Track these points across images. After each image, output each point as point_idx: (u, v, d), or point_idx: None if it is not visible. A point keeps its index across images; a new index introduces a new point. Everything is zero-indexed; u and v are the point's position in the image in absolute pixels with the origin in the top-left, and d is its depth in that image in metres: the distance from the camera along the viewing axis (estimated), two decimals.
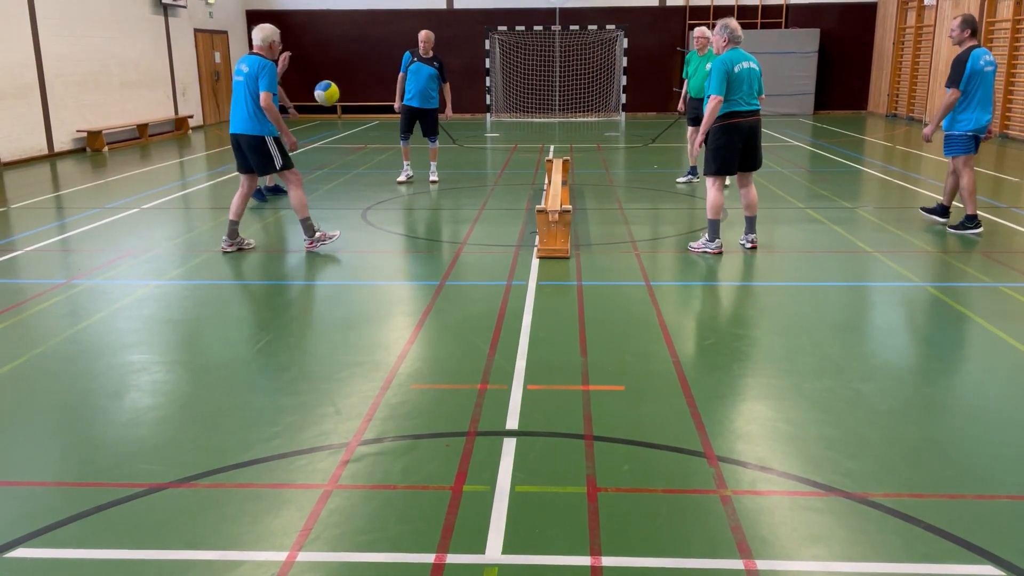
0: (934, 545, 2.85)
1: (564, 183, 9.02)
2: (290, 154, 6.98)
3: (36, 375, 4.48)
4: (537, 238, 6.97)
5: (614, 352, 4.72)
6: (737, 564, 2.74)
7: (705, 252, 6.96)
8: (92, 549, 2.85)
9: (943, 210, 8.04)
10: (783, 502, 3.15)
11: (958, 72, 7.31)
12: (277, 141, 6.89)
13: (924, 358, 4.79)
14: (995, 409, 3.98)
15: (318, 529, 2.95)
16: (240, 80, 6.73)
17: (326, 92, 8.52)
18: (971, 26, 7.45)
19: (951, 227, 7.78)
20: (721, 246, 6.98)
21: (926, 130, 7.52)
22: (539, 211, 6.85)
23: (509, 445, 3.57)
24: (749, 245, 7.10)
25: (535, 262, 6.69)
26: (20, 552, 2.84)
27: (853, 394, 4.13)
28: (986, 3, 16.04)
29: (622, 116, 20.70)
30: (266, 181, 9.54)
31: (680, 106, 10.87)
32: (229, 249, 7.10)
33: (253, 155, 6.88)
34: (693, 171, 10.54)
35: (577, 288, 6.00)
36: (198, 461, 3.46)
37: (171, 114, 17.85)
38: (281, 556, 2.79)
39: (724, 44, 6.75)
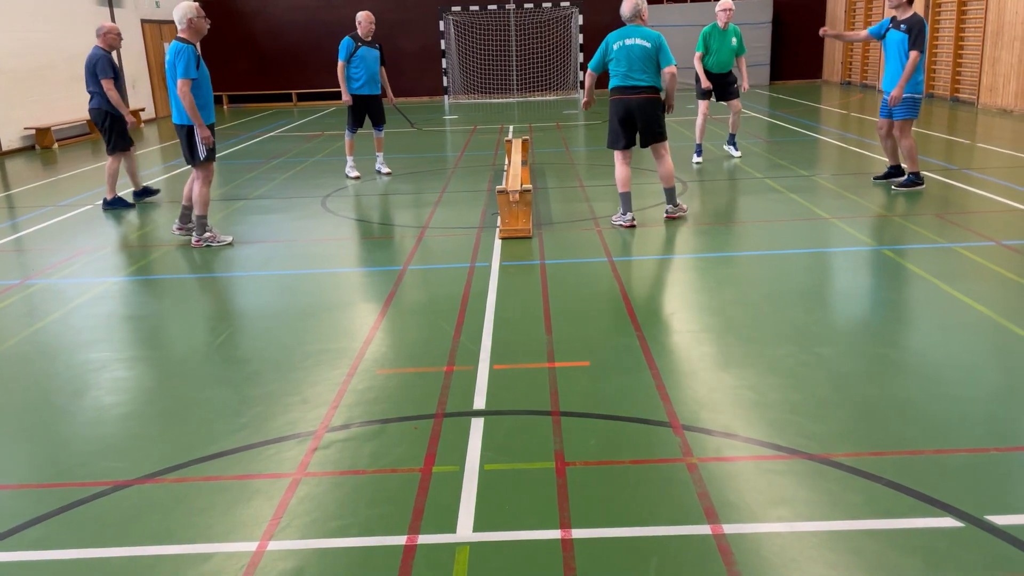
0: (895, 501, 2.92)
1: (524, 163, 9.01)
2: (210, 148, 6.72)
3: None
4: (499, 219, 6.96)
5: (578, 328, 4.75)
6: (704, 529, 2.79)
7: (620, 226, 7.00)
8: (58, 550, 2.81)
9: (897, 169, 8.21)
10: (748, 467, 3.20)
11: (923, 35, 7.48)
12: (209, 129, 6.71)
13: (882, 320, 4.88)
14: (952, 366, 4.07)
15: (288, 517, 2.94)
16: (168, 69, 6.60)
17: None
18: None
19: (900, 185, 7.95)
20: (633, 219, 7.02)
21: (894, 92, 7.60)
22: (499, 192, 6.83)
23: (477, 425, 3.58)
24: (668, 216, 7.17)
25: (498, 243, 6.68)
26: None
27: (814, 358, 4.20)
28: None
29: (580, 93, 20.67)
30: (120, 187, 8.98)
31: (705, 83, 9.71)
32: (177, 232, 7.19)
33: (183, 144, 6.80)
34: (699, 150, 10.21)
35: (540, 267, 6.01)
36: (164, 456, 3.42)
37: None
38: (251, 546, 2.78)
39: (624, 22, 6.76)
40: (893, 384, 3.90)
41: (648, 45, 6.62)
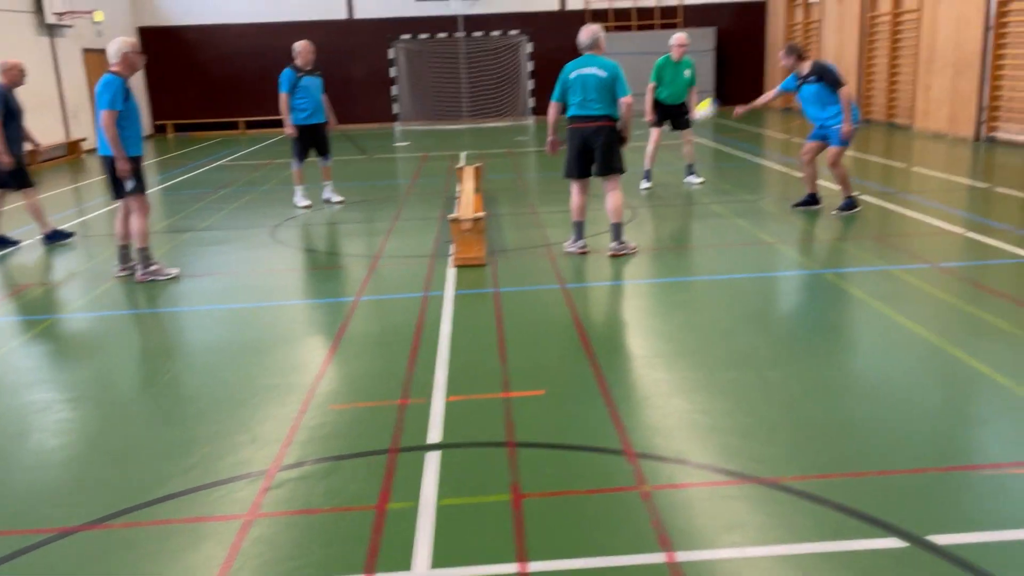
0: (842, 523, 2.99)
1: (476, 190, 9.07)
2: (139, 180, 6.60)
3: None
4: (452, 247, 6.98)
5: (533, 357, 4.78)
6: (659, 558, 2.82)
7: (572, 253, 7.09)
8: None
9: (813, 197, 8.48)
10: (701, 493, 3.25)
11: (834, 73, 7.83)
12: (136, 161, 6.60)
13: (826, 343, 5.01)
14: (893, 388, 4.20)
15: (241, 560, 2.90)
16: (96, 101, 6.50)
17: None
18: (796, 51, 8.01)
19: (840, 209, 8.20)
20: (584, 246, 7.08)
21: (845, 127, 7.82)
22: (452, 220, 6.86)
23: (432, 459, 3.57)
24: (609, 254, 6.97)
25: (451, 271, 6.70)
26: None
27: (762, 381, 4.29)
28: None
29: (531, 120, 20.91)
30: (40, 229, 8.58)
31: (650, 115, 10.06)
32: (121, 274, 6.92)
33: (109, 176, 6.64)
34: (648, 175, 10.36)
35: (494, 295, 6.04)
36: (111, 500, 3.34)
37: (62, 138, 17.12)
38: None
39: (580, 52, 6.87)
40: (838, 406, 4.00)
41: (604, 75, 6.66)
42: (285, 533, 3.07)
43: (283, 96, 9.39)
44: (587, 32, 6.83)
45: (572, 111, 6.80)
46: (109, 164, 6.56)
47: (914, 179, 10.37)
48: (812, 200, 8.50)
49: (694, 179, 10.45)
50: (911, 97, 15.41)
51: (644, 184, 10.23)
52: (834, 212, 8.27)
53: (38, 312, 6.15)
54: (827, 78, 7.78)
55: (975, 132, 13.46)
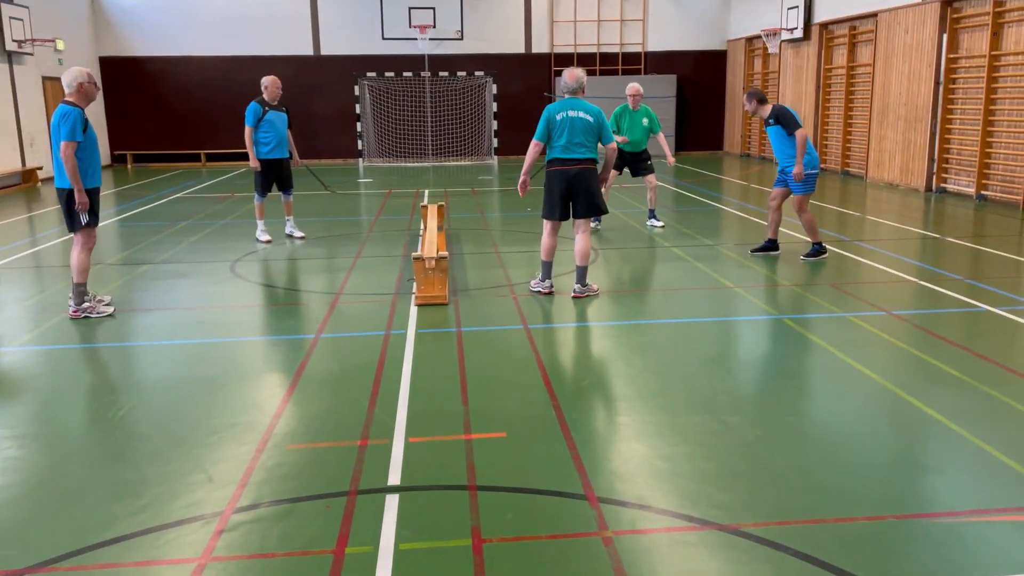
0: (802, 570, 3.00)
1: (440, 228, 9.08)
2: (93, 214, 6.46)
3: None
4: (415, 285, 6.96)
5: (495, 398, 4.75)
6: None
7: (539, 292, 7.12)
8: None
9: (773, 243, 8.66)
10: (662, 539, 3.24)
11: (792, 117, 8.05)
12: (93, 194, 6.47)
13: (785, 388, 5.07)
14: (849, 434, 4.25)
15: None
16: (52, 132, 6.36)
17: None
18: (757, 96, 8.26)
19: (807, 256, 8.37)
20: (551, 286, 7.14)
21: (796, 169, 8.03)
22: (415, 258, 6.85)
23: (392, 502, 3.52)
24: (573, 295, 7.01)
25: (413, 310, 6.67)
26: None
27: (722, 427, 4.32)
28: (823, 51, 17.41)
29: (495, 160, 21.08)
30: None
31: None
32: (75, 316, 6.59)
33: (64, 209, 6.49)
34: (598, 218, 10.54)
35: (457, 334, 6.02)
36: (58, 542, 3.23)
37: (18, 166, 16.81)
38: None
39: (560, 94, 6.98)
40: (796, 452, 4.04)
41: (591, 120, 6.76)
42: None
43: (248, 129, 9.41)
44: (573, 76, 6.92)
45: (555, 153, 6.81)
46: (65, 196, 6.44)
47: (868, 227, 10.64)
48: (771, 246, 8.67)
49: (656, 223, 10.59)
50: (865, 148, 15.87)
51: (593, 223, 10.32)
52: (801, 258, 8.42)
53: None
54: (783, 121, 8.02)
55: (926, 183, 13.89)
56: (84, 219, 6.46)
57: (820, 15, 17.39)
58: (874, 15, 15.27)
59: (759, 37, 20.08)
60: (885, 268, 8.06)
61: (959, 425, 4.27)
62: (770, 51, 19.60)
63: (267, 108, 9.43)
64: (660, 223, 10.61)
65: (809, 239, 8.51)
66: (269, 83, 9.46)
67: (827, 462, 3.92)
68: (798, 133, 7.97)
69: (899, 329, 6.04)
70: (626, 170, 10.46)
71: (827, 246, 8.65)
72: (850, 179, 16.08)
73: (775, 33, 18.94)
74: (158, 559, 3.12)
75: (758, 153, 20.91)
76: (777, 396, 4.90)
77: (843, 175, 16.51)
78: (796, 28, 17.97)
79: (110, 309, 6.68)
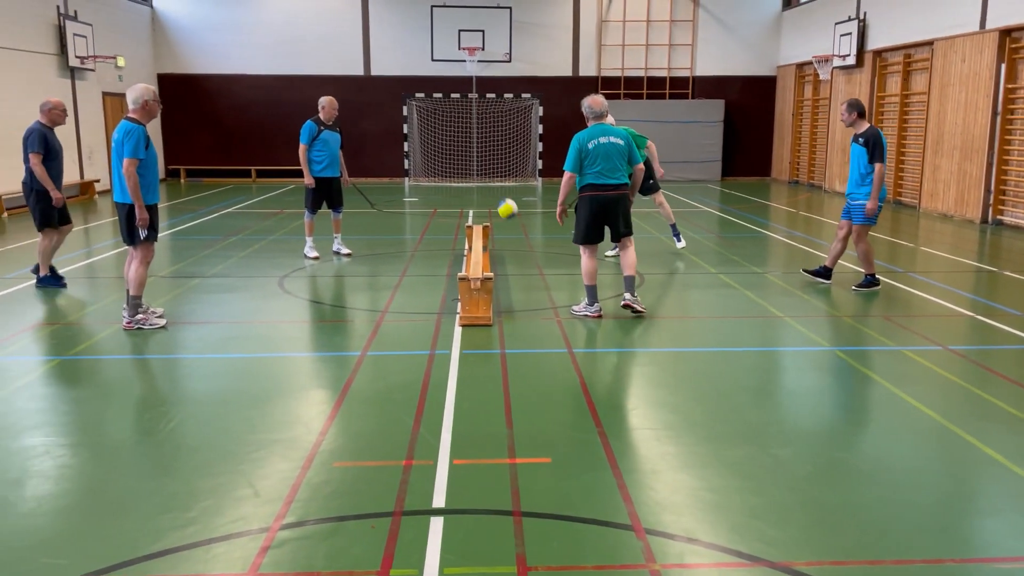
0: None
1: (484, 249, 9.10)
2: (152, 229, 6.62)
3: None
4: (459, 306, 6.97)
5: (539, 423, 4.72)
6: None
7: (586, 315, 7.10)
8: None
9: (827, 271, 8.50)
10: (711, 574, 3.17)
11: (881, 148, 7.92)
12: (151, 209, 6.64)
13: (836, 422, 4.96)
14: (905, 471, 4.13)
15: None
16: (114, 147, 6.52)
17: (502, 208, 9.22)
18: (858, 108, 8.07)
19: (859, 286, 8.23)
20: (600, 310, 7.14)
21: (870, 204, 7.93)
22: (461, 279, 6.87)
23: (436, 524, 3.50)
24: (624, 304, 7.17)
25: (458, 330, 6.68)
26: None
27: (772, 460, 4.23)
28: (876, 79, 17.18)
29: (539, 181, 21.13)
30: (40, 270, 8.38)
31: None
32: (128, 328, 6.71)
33: (123, 224, 6.63)
34: (677, 235, 10.65)
35: (501, 356, 6.01)
36: (107, 552, 3.27)
37: (76, 178, 17.30)
38: None
39: (587, 120, 7.00)
40: (850, 490, 3.93)
41: (622, 143, 6.89)
42: None
43: (303, 147, 9.56)
44: (599, 102, 6.99)
45: (589, 179, 6.87)
46: (125, 211, 6.58)
47: (921, 259, 10.41)
48: (824, 273, 8.52)
49: (677, 241, 10.64)
50: (918, 177, 15.58)
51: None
52: (853, 288, 8.27)
53: (41, 354, 6.11)
54: (871, 145, 7.91)
55: (982, 215, 13.57)
56: (143, 234, 6.60)
57: (874, 42, 17.19)
58: (930, 43, 15.03)
59: (810, 63, 19.89)
60: (939, 301, 7.87)
61: (1017, 465, 4.13)
62: (821, 78, 19.40)
63: (322, 128, 9.59)
64: (681, 243, 10.62)
65: (863, 270, 8.35)
66: (326, 103, 9.64)
67: (881, 500, 3.81)
68: (878, 167, 7.86)
69: (954, 364, 5.88)
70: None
71: (880, 277, 8.48)
72: (903, 209, 15.79)
73: (827, 59, 18.75)
74: (206, 573, 3.14)
75: (807, 180, 20.65)
76: (828, 430, 4.79)
77: (895, 204, 16.22)
78: (849, 55, 17.77)
79: (162, 321, 6.80)
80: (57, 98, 8.27)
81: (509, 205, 9.23)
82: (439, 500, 3.73)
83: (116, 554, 3.26)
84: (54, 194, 8.06)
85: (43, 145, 7.95)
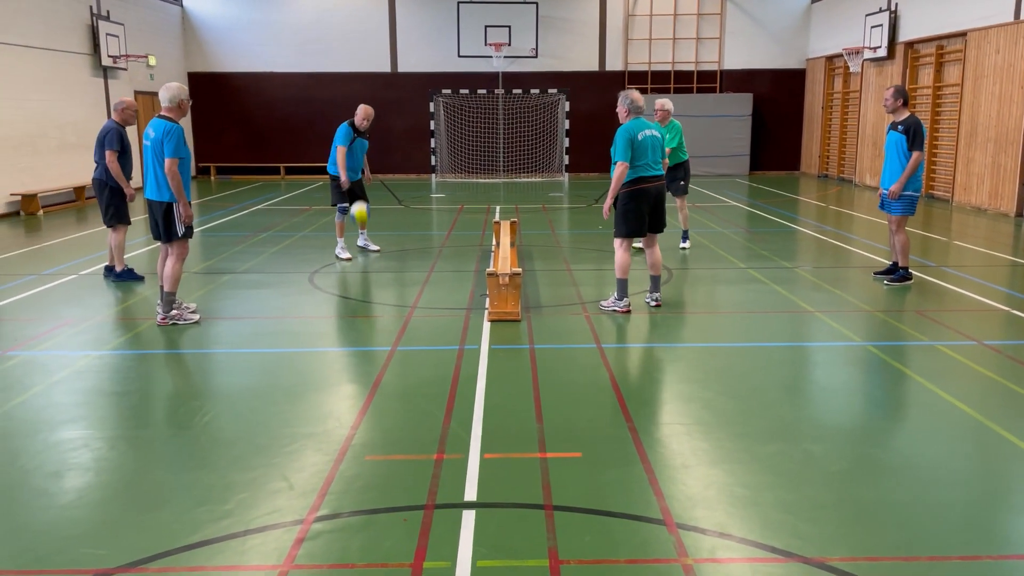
0: None
1: (512, 245, 9.11)
2: (188, 226, 6.69)
3: None
4: (488, 301, 6.99)
5: (569, 417, 4.73)
6: None
7: (615, 311, 7.10)
8: None
9: (896, 266, 8.33)
10: (744, 570, 3.16)
11: (921, 136, 7.84)
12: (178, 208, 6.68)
13: (870, 418, 4.91)
14: (940, 468, 4.09)
15: None
16: (148, 145, 6.56)
17: (358, 212, 9.40)
18: (903, 95, 7.99)
19: (892, 279, 8.13)
20: (629, 305, 7.13)
21: (893, 188, 7.89)
22: (489, 274, 6.88)
23: (468, 518, 3.52)
24: (653, 303, 7.26)
25: (486, 325, 6.69)
26: None
27: (805, 456, 4.20)
28: (908, 71, 16.94)
29: (566, 177, 21.10)
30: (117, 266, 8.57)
31: None
32: (162, 323, 6.78)
33: (160, 221, 6.68)
34: (685, 235, 10.54)
35: (530, 351, 6.02)
36: (146, 544, 3.33)
37: None
38: None
39: (626, 114, 6.98)
40: (884, 486, 3.90)
41: (659, 136, 7.04)
42: None
43: (341, 150, 9.60)
44: (640, 97, 7.00)
45: (641, 172, 6.89)
46: (163, 209, 6.63)
47: (954, 253, 10.26)
48: (894, 269, 8.39)
49: (684, 243, 10.47)
50: (951, 171, 15.35)
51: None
52: (885, 282, 8.18)
53: (77, 348, 6.22)
54: (911, 133, 7.84)
55: (1017, 208, 13.34)
56: (181, 231, 6.68)
57: (905, 33, 16.94)
58: (963, 34, 14.79)
59: (840, 56, 19.65)
60: (973, 295, 7.76)
61: None
62: (852, 70, 19.16)
63: (356, 134, 9.70)
64: (685, 244, 10.45)
65: (898, 261, 8.24)
66: (363, 112, 9.70)
67: (916, 497, 3.78)
68: (916, 154, 7.81)
69: (990, 359, 5.79)
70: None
71: (912, 272, 8.37)
72: (935, 203, 15.56)
73: (857, 52, 18.51)
74: (242, 564, 3.19)
75: (836, 174, 20.42)
76: (862, 426, 4.74)
77: (928, 198, 15.99)
78: (880, 47, 17.53)
79: (196, 316, 6.89)
80: (130, 99, 8.46)
81: (361, 211, 9.58)
82: (471, 494, 3.75)
83: (154, 545, 3.32)
84: (127, 190, 8.29)
85: (119, 143, 8.18)
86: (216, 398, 5.24)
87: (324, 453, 4.21)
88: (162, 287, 6.85)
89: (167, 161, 6.44)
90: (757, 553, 3.27)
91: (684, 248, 10.39)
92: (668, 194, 10.22)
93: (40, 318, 7.08)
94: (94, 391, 5.29)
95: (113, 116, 8.31)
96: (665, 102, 10.05)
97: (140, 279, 8.54)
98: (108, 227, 8.47)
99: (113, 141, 8.15)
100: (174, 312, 6.79)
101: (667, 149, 10.02)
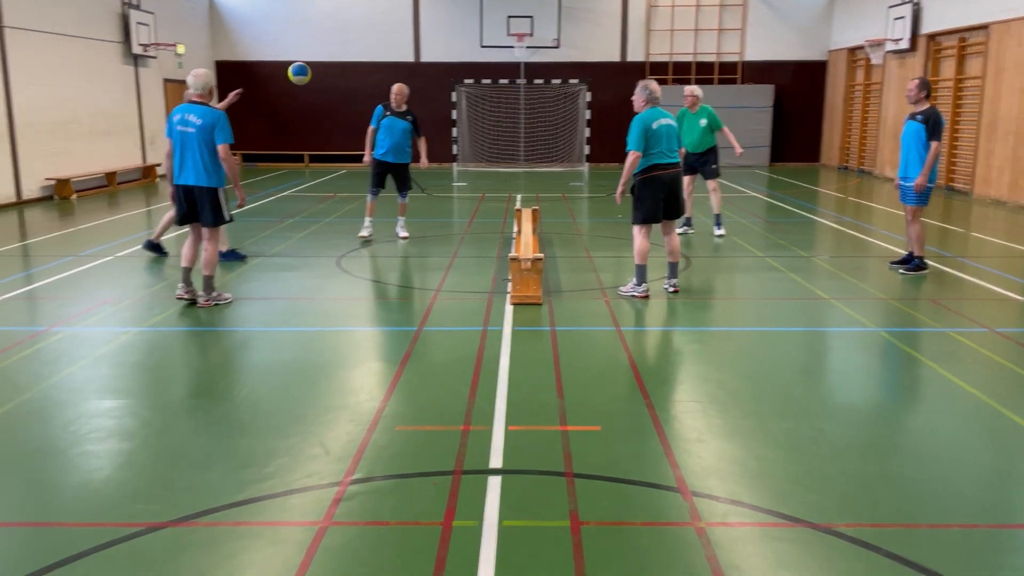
0: (894, 571, 3.08)
1: (534, 231, 9.30)
2: (235, 211, 6.95)
3: (25, 420, 4.55)
4: (510, 285, 7.20)
5: (589, 394, 4.94)
6: None
7: (633, 296, 7.29)
8: None
9: (916, 260, 8.45)
10: (754, 533, 3.36)
11: (940, 127, 7.96)
12: (219, 193, 6.88)
13: (879, 399, 5.08)
14: (947, 446, 4.26)
15: (317, 564, 3.09)
16: (191, 132, 6.64)
17: (303, 76, 9.23)
18: (927, 88, 8.12)
19: (907, 268, 8.27)
20: (647, 290, 7.32)
21: (919, 180, 8.01)
22: (512, 259, 7.09)
23: (494, 483, 3.75)
24: (671, 289, 7.44)
25: (509, 308, 6.91)
26: None
27: (815, 433, 4.38)
28: (930, 63, 16.93)
29: (586, 166, 21.24)
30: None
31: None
32: (184, 296, 7.01)
33: (207, 207, 6.80)
34: (688, 222, 10.82)
35: (551, 333, 6.22)
36: (195, 501, 3.58)
37: (139, 162, 17.92)
38: None
39: (643, 103, 7.17)
40: (891, 461, 4.08)
41: (675, 125, 7.22)
42: (357, 541, 3.26)
43: (371, 129, 10.04)
44: (657, 87, 7.20)
45: (656, 159, 7.08)
46: (211, 194, 6.78)
47: (972, 244, 10.35)
48: (906, 260, 8.51)
49: (716, 229, 10.66)
50: (971, 163, 15.36)
51: (685, 229, 10.66)
52: (901, 271, 8.32)
53: (119, 325, 6.50)
54: (931, 123, 7.95)
55: None
56: (228, 216, 6.92)
57: (928, 25, 16.92)
58: (985, 27, 14.77)
59: (862, 47, 19.63)
60: (989, 285, 7.87)
61: None
62: (873, 62, 19.14)
63: (388, 113, 9.99)
64: (721, 231, 10.63)
65: (914, 251, 8.37)
66: (394, 90, 10.07)
67: (922, 472, 3.96)
68: (935, 144, 7.92)
69: (1001, 346, 5.94)
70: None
71: (928, 262, 8.49)
72: (955, 195, 15.58)
73: (880, 44, 18.50)
74: (285, 520, 3.43)
75: (857, 166, 20.42)
76: (872, 406, 4.92)
77: (947, 190, 16.00)
78: (902, 39, 17.52)
79: (229, 296, 7.17)
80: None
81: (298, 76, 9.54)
82: (496, 462, 3.97)
83: (203, 502, 3.57)
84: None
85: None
86: (253, 372, 5.49)
87: (357, 423, 4.44)
88: (186, 268, 6.97)
89: (223, 147, 6.63)
90: (767, 519, 3.47)
91: (719, 235, 10.56)
92: (698, 180, 10.53)
93: (80, 297, 7.37)
94: (137, 364, 5.56)
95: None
96: (694, 88, 10.33)
97: (241, 258, 8.99)
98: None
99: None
100: (215, 294, 7.06)
101: (716, 130, 10.26)
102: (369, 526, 3.38)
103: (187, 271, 7.04)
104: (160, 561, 3.12)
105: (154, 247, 9.17)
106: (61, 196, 14.69)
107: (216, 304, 7.02)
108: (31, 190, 14.27)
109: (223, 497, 3.61)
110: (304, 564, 3.09)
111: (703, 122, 10.26)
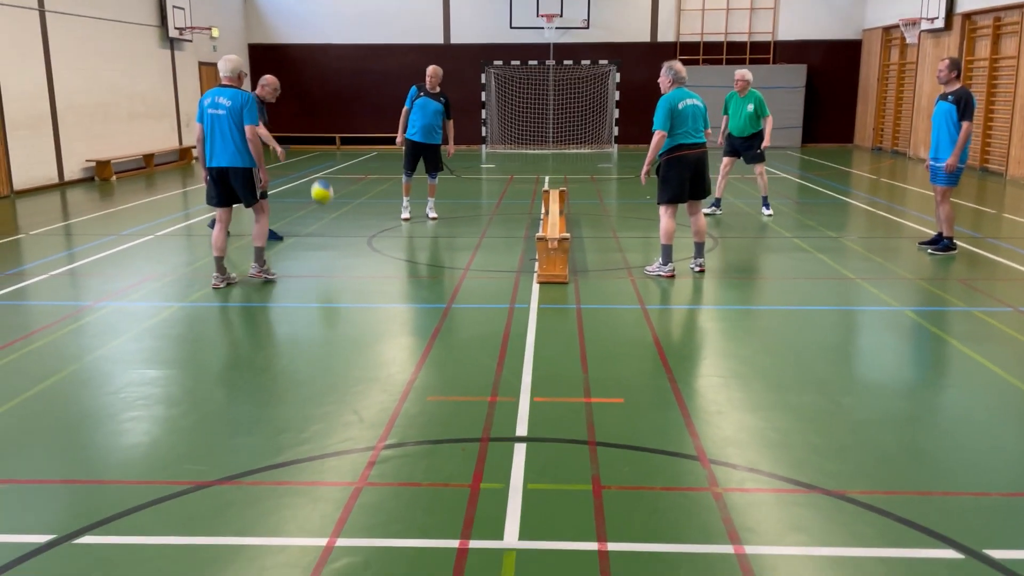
0: (904, 534, 3.20)
1: (561, 213, 9.43)
2: (263, 189, 7.11)
3: (77, 387, 4.81)
4: (537, 264, 7.35)
5: (613, 369, 5.08)
6: (728, 549, 3.09)
7: (659, 275, 7.41)
8: (152, 536, 3.18)
9: (941, 237, 8.45)
10: (769, 498, 3.50)
11: (972, 107, 7.94)
12: (253, 173, 7.02)
13: (901, 375, 5.17)
14: (965, 421, 4.35)
15: (353, 519, 3.29)
16: (221, 114, 6.76)
17: (323, 191, 8.49)
18: (958, 68, 8.10)
19: (936, 249, 8.28)
20: (673, 269, 7.42)
21: (951, 160, 8.00)
22: (539, 239, 7.23)
23: (520, 449, 3.92)
24: (697, 269, 7.54)
25: (535, 287, 7.06)
26: (87, 539, 3.16)
27: (835, 406, 4.49)
28: (965, 43, 16.69)
29: (614, 148, 21.25)
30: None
31: (719, 139, 10.68)
32: (220, 285, 7.07)
33: (242, 187, 6.96)
34: (718, 203, 10.86)
35: (576, 311, 6.37)
36: (238, 462, 3.79)
37: (175, 144, 18.28)
38: (322, 542, 3.13)
39: (669, 84, 7.26)
40: (908, 434, 4.18)
41: (701, 106, 7.29)
42: (391, 500, 3.45)
43: (405, 110, 10.18)
44: (683, 68, 7.28)
45: (682, 139, 7.16)
46: (246, 174, 6.94)
47: (1005, 225, 10.28)
48: (935, 240, 8.54)
49: (765, 211, 10.73)
50: (1006, 144, 15.16)
51: (713, 210, 10.71)
52: (929, 251, 8.33)
53: (162, 300, 6.75)
54: (962, 103, 7.93)
55: None
56: (260, 193, 7.14)
57: (963, 4, 16.67)
58: (1021, 6, 14.53)
59: (897, 26, 19.38)
60: (1019, 267, 7.86)
61: None
62: (908, 41, 18.90)
63: (421, 93, 10.15)
64: (769, 211, 10.70)
65: (943, 231, 8.37)
66: (429, 72, 10.19)
67: (939, 445, 4.06)
68: (966, 124, 7.91)
69: None
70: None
71: (958, 243, 8.49)
72: (989, 176, 15.41)
73: (914, 23, 18.25)
74: (322, 481, 3.63)
75: (891, 147, 20.22)
76: (892, 382, 5.01)
77: (981, 171, 15.82)
78: (937, 18, 17.27)
79: (275, 274, 7.42)
80: (272, 76, 9.14)
81: (319, 191, 8.54)
82: (522, 430, 4.14)
83: (246, 463, 3.78)
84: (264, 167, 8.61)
85: (260, 116, 8.39)
86: (289, 345, 5.71)
87: (389, 394, 4.64)
88: (218, 258, 7.05)
89: (252, 128, 6.80)
90: (783, 485, 3.60)
91: (767, 215, 10.67)
92: (740, 162, 10.58)
93: (124, 274, 7.65)
94: (179, 337, 5.81)
95: (257, 91, 8.74)
96: (745, 72, 10.35)
97: (279, 238, 9.15)
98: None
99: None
100: (266, 266, 7.30)
101: (761, 117, 10.29)
102: (402, 487, 3.57)
103: (219, 260, 7.07)
104: (208, 516, 3.33)
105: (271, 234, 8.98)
106: (101, 177, 15.07)
107: (265, 278, 7.25)
108: (72, 171, 14.66)
109: (264, 459, 3.82)
110: (341, 519, 3.28)
111: (750, 107, 10.29)
